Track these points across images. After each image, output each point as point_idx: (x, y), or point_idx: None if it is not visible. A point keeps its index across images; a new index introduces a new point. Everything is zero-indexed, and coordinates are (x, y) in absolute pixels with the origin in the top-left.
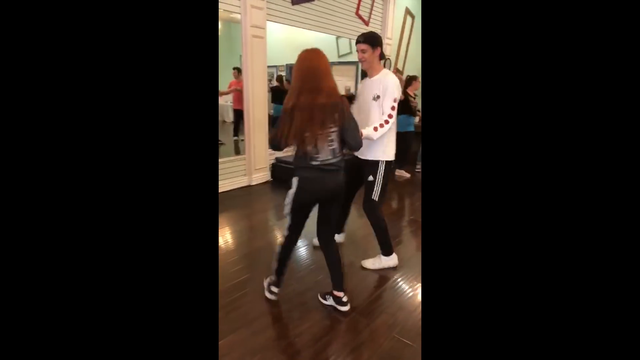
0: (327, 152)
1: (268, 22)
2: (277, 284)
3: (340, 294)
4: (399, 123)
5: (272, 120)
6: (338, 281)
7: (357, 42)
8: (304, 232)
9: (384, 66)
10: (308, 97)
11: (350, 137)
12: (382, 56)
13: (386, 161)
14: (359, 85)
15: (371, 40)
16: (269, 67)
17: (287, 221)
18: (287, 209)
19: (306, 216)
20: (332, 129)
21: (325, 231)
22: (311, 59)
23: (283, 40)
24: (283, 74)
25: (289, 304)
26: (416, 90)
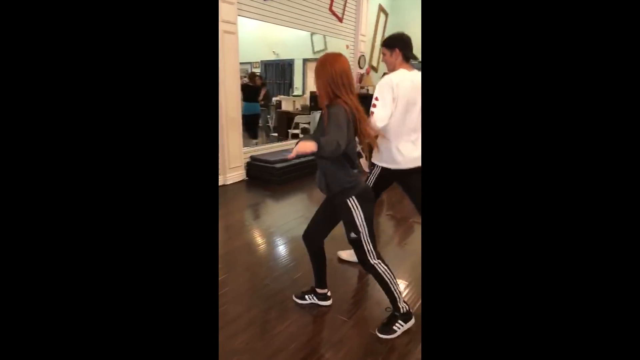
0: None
1: (239, 17)
2: (403, 308)
3: (324, 290)
4: None
5: (244, 119)
6: (323, 280)
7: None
8: (283, 229)
9: (359, 64)
10: (356, 100)
11: None
12: (407, 57)
13: (381, 167)
14: None
15: (387, 42)
16: (242, 63)
17: (370, 247)
18: (365, 233)
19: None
20: None
21: (326, 233)
22: (347, 62)
23: (257, 36)
24: (257, 70)
25: (267, 304)
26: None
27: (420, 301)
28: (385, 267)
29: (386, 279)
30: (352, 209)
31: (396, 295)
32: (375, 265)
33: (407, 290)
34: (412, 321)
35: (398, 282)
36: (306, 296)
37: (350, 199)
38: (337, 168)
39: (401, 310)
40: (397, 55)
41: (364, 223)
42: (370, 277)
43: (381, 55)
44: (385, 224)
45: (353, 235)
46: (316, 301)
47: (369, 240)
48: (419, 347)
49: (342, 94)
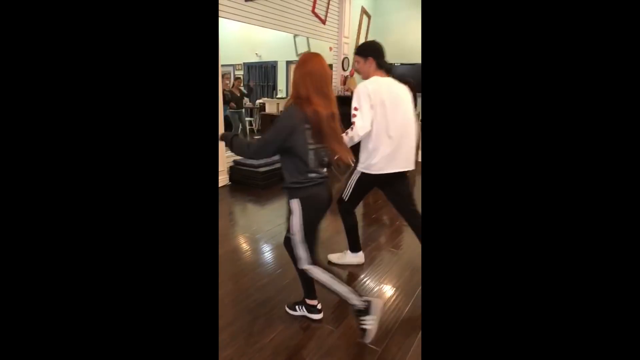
0: (323, 165)
1: (220, 18)
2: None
3: (314, 302)
4: None
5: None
6: (312, 289)
7: (354, 54)
8: (269, 235)
9: (342, 65)
10: (323, 105)
11: None
12: (381, 65)
13: (361, 172)
14: None
15: (360, 51)
16: (224, 65)
17: (301, 252)
18: (297, 238)
19: (317, 235)
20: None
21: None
22: (320, 63)
23: (238, 38)
24: (240, 73)
25: (252, 315)
26: None
27: (409, 306)
28: (320, 271)
29: (322, 282)
30: (293, 211)
31: (343, 295)
32: (305, 270)
33: (395, 295)
34: (372, 317)
35: (388, 287)
36: (297, 307)
37: (294, 201)
38: (287, 166)
39: (357, 307)
40: (371, 63)
41: (301, 227)
42: (357, 282)
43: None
44: (371, 227)
45: (287, 234)
46: (306, 313)
47: (304, 247)
48: (407, 355)
49: (303, 96)
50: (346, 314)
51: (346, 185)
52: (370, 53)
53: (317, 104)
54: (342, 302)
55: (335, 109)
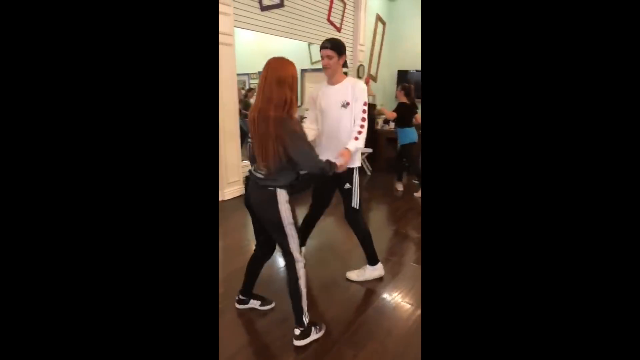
0: (260, 166)
1: (236, 28)
2: (242, 291)
3: (296, 328)
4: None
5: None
6: (295, 314)
7: (324, 47)
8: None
9: (358, 73)
10: (256, 108)
11: (303, 160)
12: (345, 64)
13: (358, 167)
14: (318, 93)
15: (338, 47)
16: (239, 75)
17: None
18: None
19: (258, 224)
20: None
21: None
22: (268, 69)
23: (254, 47)
24: (256, 82)
25: (268, 337)
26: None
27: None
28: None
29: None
30: None
31: (245, 279)
32: None
33: (418, 314)
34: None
35: (412, 307)
36: (313, 328)
37: None
38: None
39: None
40: (342, 61)
41: None
42: (379, 300)
43: (326, 59)
44: (393, 240)
45: None
46: (317, 335)
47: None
48: None
49: (255, 104)
50: (369, 337)
51: (350, 192)
52: (344, 51)
53: (259, 108)
54: (364, 324)
55: (273, 111)
